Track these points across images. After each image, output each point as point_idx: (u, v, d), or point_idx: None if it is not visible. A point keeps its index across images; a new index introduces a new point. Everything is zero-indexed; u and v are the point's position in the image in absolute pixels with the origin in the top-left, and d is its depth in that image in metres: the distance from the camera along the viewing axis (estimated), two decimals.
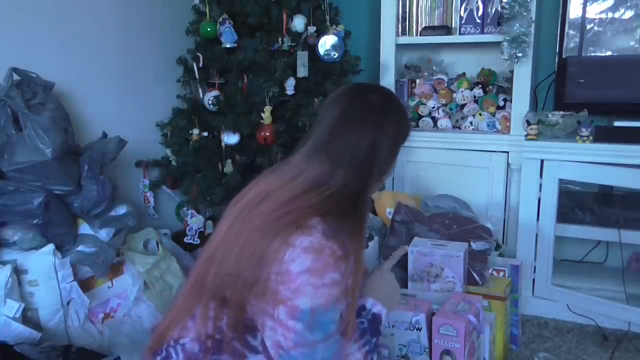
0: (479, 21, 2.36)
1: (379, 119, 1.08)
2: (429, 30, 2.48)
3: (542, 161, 2.13)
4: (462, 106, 2.50)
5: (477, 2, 2.35)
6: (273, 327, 0.98)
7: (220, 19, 2.29)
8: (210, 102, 2.33)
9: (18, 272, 1.67)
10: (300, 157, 1.10)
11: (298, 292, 0.94)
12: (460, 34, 2.41)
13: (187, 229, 2.39)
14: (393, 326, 1.49)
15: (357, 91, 1.14)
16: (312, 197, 1.01)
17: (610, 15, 2.20)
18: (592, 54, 2.26)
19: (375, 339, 1.14)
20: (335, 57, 2.32)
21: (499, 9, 2.28)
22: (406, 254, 1.68)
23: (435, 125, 2.52)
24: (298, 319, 0.94)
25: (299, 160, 1.10)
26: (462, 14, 2.39)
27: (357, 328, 1.12)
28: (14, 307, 1.59)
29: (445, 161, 2.44)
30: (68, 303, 1.75)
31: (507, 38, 2.18)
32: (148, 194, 2.41)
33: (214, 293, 1.03)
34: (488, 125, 2.41)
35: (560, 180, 2.13)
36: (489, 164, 2.35)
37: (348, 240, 1.00)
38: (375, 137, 1.07)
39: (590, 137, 2.05)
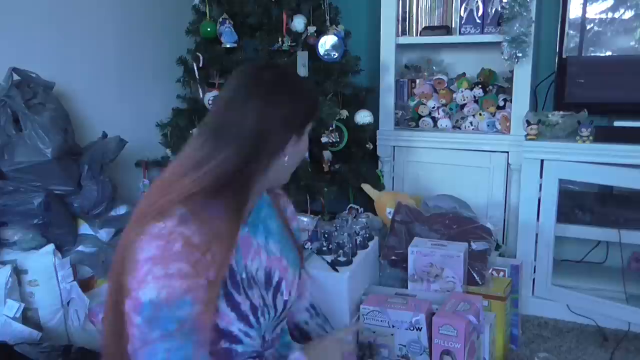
0: (479, 21, 2.36)
1: (269, 97, 0.99)
2: (429, 30, 2.48)
3: (542, 161, 2.13)
4: (462, 106, 2.50)
5: (477, 2, 2.35)
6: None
7: (220, 19, 2.29)
8: (210, 102, 2.33)
9: (18, 272, 1.67)
10: (191, 140, 1.02)
11: (141, 283, 0.85)
12: (460, 34, 2.41)
13: None
14: (393, 326, 1.49)
15: (249, 69, 1.05)
16: (186, 181, 0.92)
17: (610, 15, 2.20)
18: (592, 54, 2.26)
19: None
20: (335, 57, 2.31)
21: (499, 9, 2.28)
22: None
23: (435, 125, 2.52)
24: (139, 312, 0.85)
25: (189, 144, 1.02)
26: (462, 14, 2.39)
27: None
28: (14, 307, 1.59)
29: (445, 161, 2.44)
30: (68, 303, 1.75)
31: (507, 38, 2.18)
32: None
33: (110, 300, 0.96)
34: (488, 125, 2.41)
35: (560, 180, 2.13)
36: (489, 164, 2.35)
37: (214, 224, 0.91)
38: (263, 115, 0.97)
39: (590, 137, 2.05)
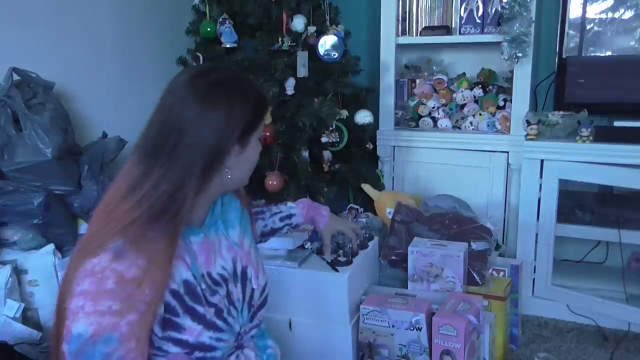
0: (479, 21, 2.36)
1: (202, 105, 0.92)
2: (429, 30, 2.48)
3: (542, 161, 2.13)
4: (462, 106, 2.50)
5: (477, 2, 2.35)
6: None
7: (220, 19, 2.28)
8: None
9: (18, 272, 1.67)
10: (130, 155, 0.98)
11: (75, 315, 0.85)
12: (460, 34, 2.41)
13: None
14: (393, 326, 1.49)
15: (183, 76, 0.98)
16: (124, 207, 0.90)
17: (610, 15, 2.20)
18: (592, 54, 2.26)
19: None
20: (335, 57, 2.31)
21: (499, 9, 2.28)
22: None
23: (435, 125, 2.52)
24: (67, 341, 0.84)
25: (129, 159, 0.97)
26: (462, 14, 2.39)
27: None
28: (14, 307, 1.59)
29: (445, 161, 2.44)
30: None
31: (507, 38, 2.18)
32: None
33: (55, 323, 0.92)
34: (488, 125, 2.41)
35: (560, 180, 2.13)
36: (489, 164, 2.35)
37: (152, 250, 0.88)
38: (197, 125, 0.91)
39: (590, 137, 2.05)
